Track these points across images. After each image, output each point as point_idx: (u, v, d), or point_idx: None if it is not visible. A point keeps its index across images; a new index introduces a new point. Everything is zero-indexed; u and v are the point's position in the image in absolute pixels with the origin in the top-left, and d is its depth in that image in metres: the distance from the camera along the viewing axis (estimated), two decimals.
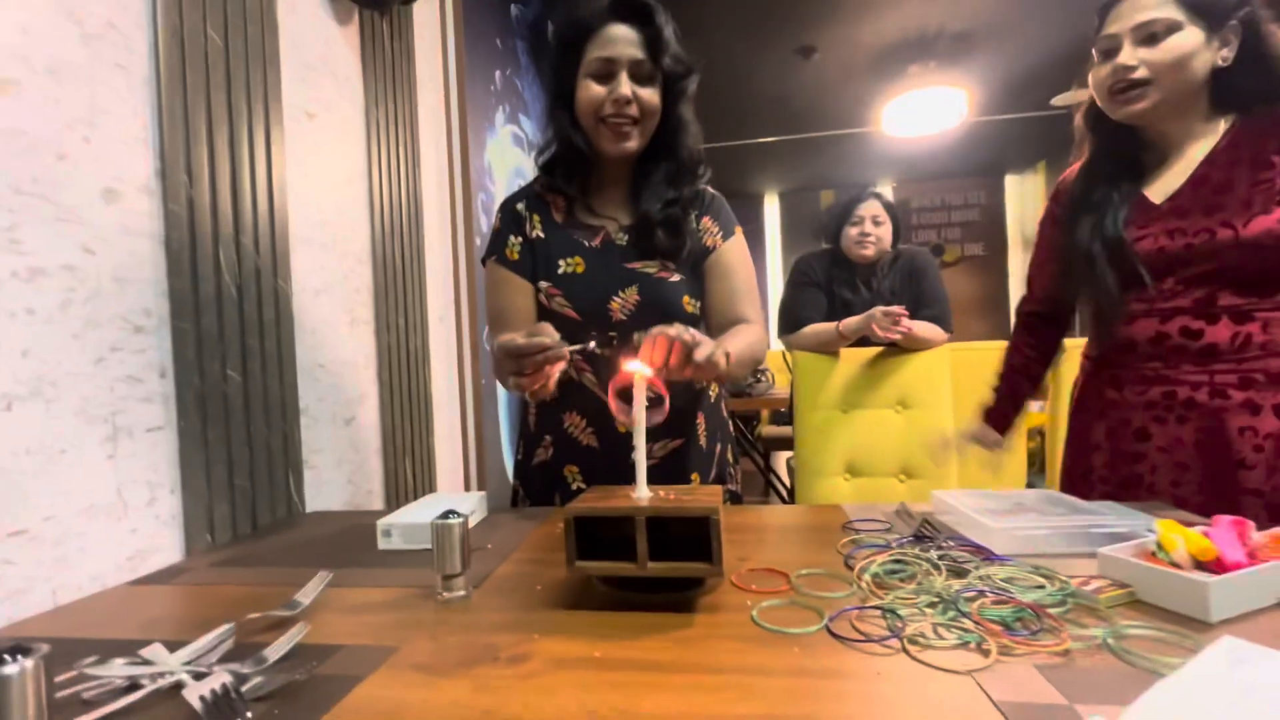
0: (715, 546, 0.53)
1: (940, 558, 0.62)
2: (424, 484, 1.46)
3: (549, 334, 0.69)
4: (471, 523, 0.87)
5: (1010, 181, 5.95)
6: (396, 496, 1.34)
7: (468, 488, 1.74)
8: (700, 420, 1.00)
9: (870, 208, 1.70)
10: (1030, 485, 2.35)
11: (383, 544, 0.78)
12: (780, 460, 4.11)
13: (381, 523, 0.78)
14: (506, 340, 0.69)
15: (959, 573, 0.59)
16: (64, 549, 0.66)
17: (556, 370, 0.72)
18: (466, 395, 1.77)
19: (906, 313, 1.49)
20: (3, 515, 0.61)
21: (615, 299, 0.93)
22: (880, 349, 1.62)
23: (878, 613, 0.53)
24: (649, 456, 1.00)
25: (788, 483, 3.61)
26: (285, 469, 0.99)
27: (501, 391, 2.04)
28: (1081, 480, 1.03)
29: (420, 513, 0.82)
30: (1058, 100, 3.89)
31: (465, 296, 1.77)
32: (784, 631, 0.50)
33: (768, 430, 3.62)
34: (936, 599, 0.54)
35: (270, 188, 0.99)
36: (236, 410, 0.89)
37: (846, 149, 4.94)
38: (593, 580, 0.61)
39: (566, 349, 0.69)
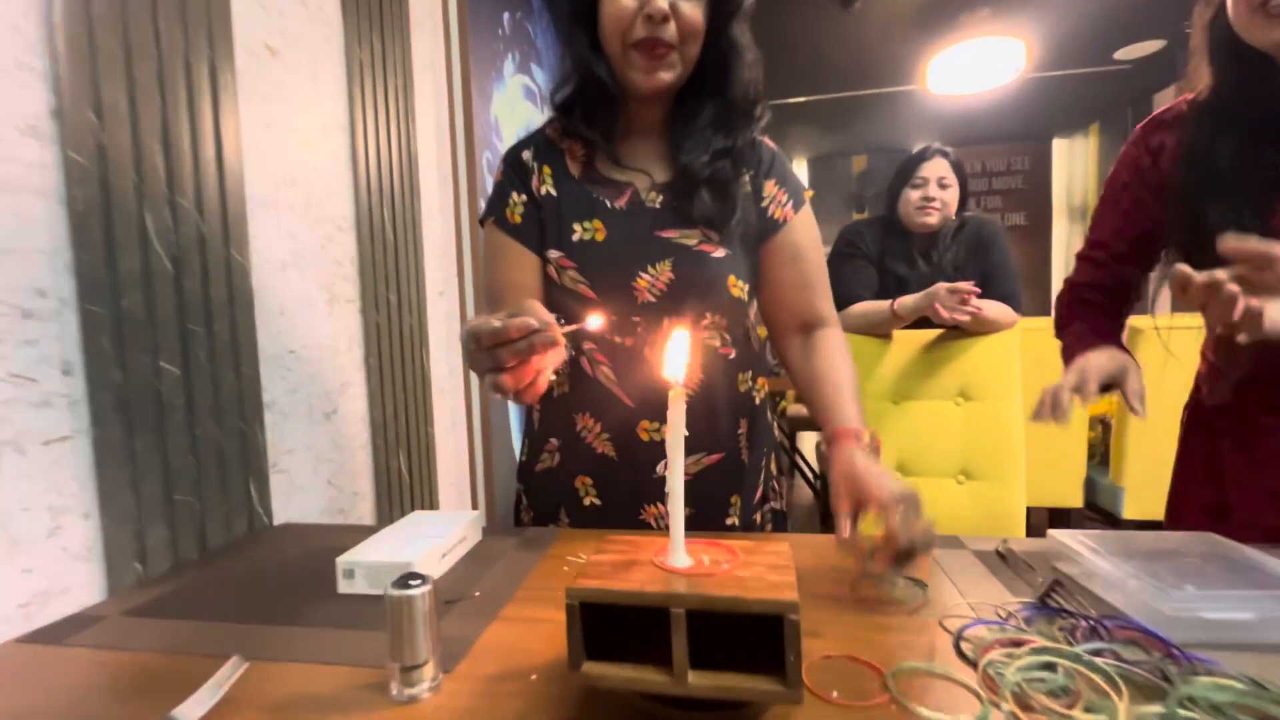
0: (792, 659, 0.35)
1: (1097, 652, 0.44)
2: (423, 482, 1.31)
3: (536, 313, 0.49)
4: (461, 552, 0.71)
5: (1058, 146, 5.54)
6: (389, 498, 1.18)
7: (474, 486, 1.58)
8: (743, 428, 0.81)
9: (936, 167, 1.47)
10: (1090, 480, 2.14)
11: (343, 586, 0.62)
12: (807, 442, 3.92)
13: (342, 561, 0.62)
14: (478, 323, 0.49)
15: (1146, 688, 0.40)
16: None
17: (547, 364, 0.51)
18: (472, 379, 1.60)
19: (977, 290, 1.27)
20: None
21: (643, 275, 0.74)
22: (939, 331, 1.42)
23: None
24: None
25: (815, 468, 3.43)
26: (245, 476, 0.83)
27: None
28: (1208, 518, 0.81)
29: (393, 544, 0.66)
30: (1123, 54, 3.52)
31: (469, 268, 1.59)
32: None
33: (794, 408, 3.42)
34: None
35: (218, 137, 0.80)
36: (175, 411, 0.73)
37: (884, 110, 4.59)
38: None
39: (559, 332, 0.48)
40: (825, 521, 2.88)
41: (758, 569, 0.40)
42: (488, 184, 1.68)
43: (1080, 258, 0.94)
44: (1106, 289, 0.92)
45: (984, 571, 0.62)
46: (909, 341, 1.44)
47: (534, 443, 0.85)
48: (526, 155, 0.80)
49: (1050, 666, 0.43)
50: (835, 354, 0.76)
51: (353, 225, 1.12)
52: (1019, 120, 4.91)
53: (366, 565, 0.61)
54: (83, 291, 0.63)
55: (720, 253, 0.75)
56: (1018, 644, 0.46)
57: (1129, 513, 2.00)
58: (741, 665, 0.37)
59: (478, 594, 0.60)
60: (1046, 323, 1.92)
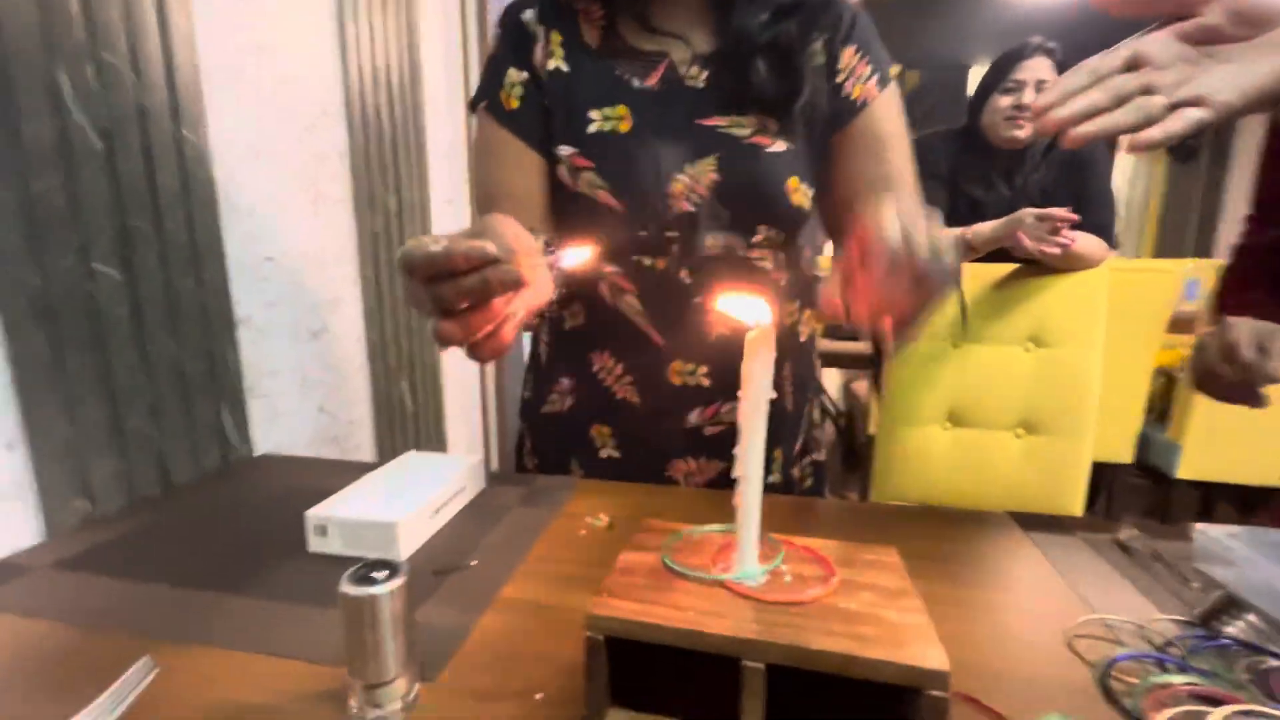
0: None
1: None
2: (429, 414, 1.20)
3: (501, 234, 0.34)
4: (459, 504, 0.59)
5: None
6: (391, 428, 1.08)
7: (485, 422, 1.48)
8: (787, 371, 0.67)
9: (1036, 67, 1.23)
10: (1145, 438, 1.99)
11: (315, 545, 0.51)
12: (830, 380, 3.78)
13: (313, 516, 0.51)
14: (412, 245, 0.31)
15: None
16: None
17: (517, 307, 0.35)
18: None
19: (1074, 217, 1.08)
20: None
21: (679, 177, 0.58)
22: (1016, 266, 1.23)
23: None
24: (711, 421, 0.64)
25: (839, 406, 3.32)
26: (215, 401, 0.72)
27: None
28: None
29: (377, 495, 0.55)
30: None
31: None
32: None
33: (820, 344, 3.25)
34: None
35: None
36: (117, 323, 0.60)
37: (940, 15, 4.11)
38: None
39: (524, 267, 0.32)
40: (846, 460, 2.79)
41: (866, 595, 0.28)
42: None
43: (1252, 220, 0.76)
44: None
45: (1107, 569, 0.49)
46: (977, 276, 1.25)
47: (540, 380, 0.71)
48: (528, 16, 0.61)
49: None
50: None
51: (341, 111, 0.95)
52: (1097, 30, 4.38)
53: (342, 523, 0.50)
54: None
55: (779, 146, 0.58)
56: (1202, 697, 0.33)
57: (1183, 473, 1.86)
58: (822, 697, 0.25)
59: (474, 563, 0.49)
60: (1140, 264, 1.71)
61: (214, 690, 0.35)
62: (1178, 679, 0.35)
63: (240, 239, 0.76)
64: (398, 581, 0.32)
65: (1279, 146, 0.72)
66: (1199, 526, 0.49)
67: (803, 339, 0.69)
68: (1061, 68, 1.25)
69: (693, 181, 0.58)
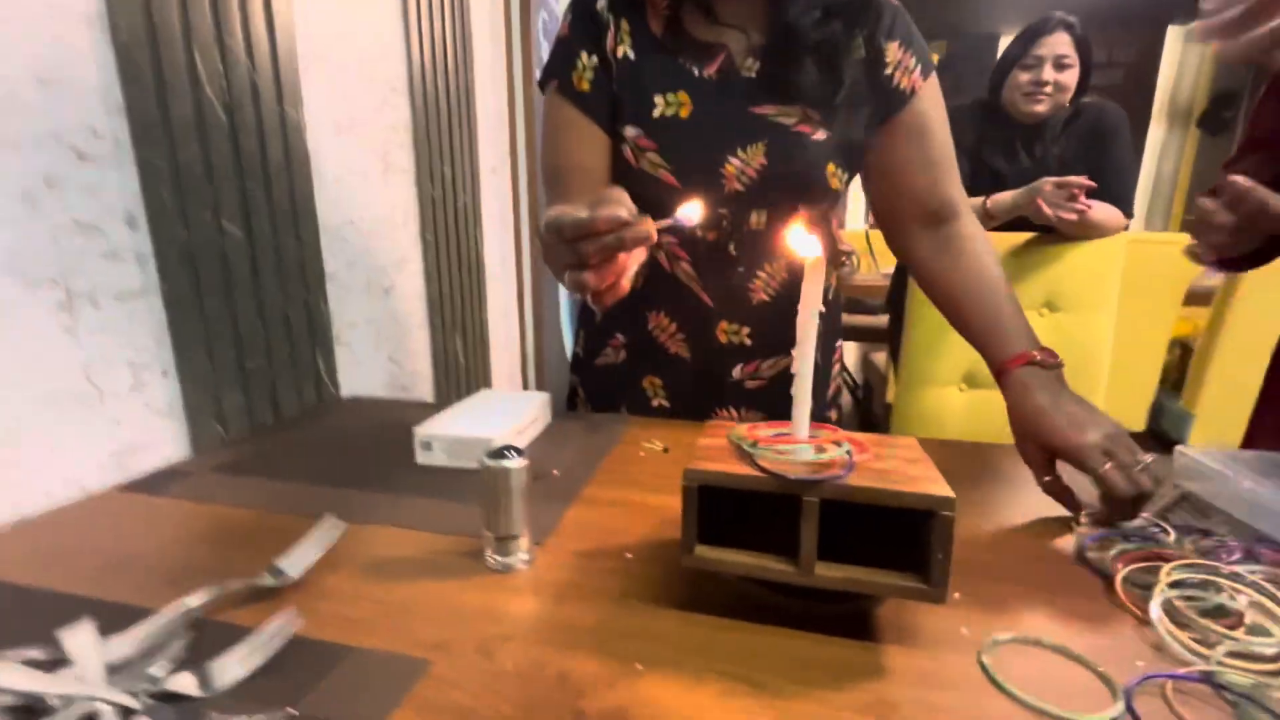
0: (939, 557, 0.32)
1: (1254, 572, 0.40)
2: (477, 365, 1.31)
3: (625, 202, 0.41)
4: (534, 432, 0.69)
5: (1172, 35, 4.85)
6: (447, 379, 1.18)
7: (524, 373, 1.58)
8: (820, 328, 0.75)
9: (1055, 43, 1.27)
10: (1159, 406, 2.04)
11: (421, 458, 0.61)
12: (848, 353, 3.84)
13: (420, 432, 0.61)
14: (559, 214, 0.41)
15: None
16: (13, 449, 0.51)
17: (633, 263, 0.43)
18: (524, 264, 1.56)
19: (1091, 184, 1.13)
20: None
21: (732, 160, 0.65)
22: (1033, 235, 1.29)
23: (1202, 683, 0.32)
24: (752, 376, 0.74)
25: (858, 378, 3.38)
26: (312, 347, 0.82)
27: None
28: None
29: (468, 418, 0.64)
30: None
31: (523, 145, 1.49)
32: (1062, 718, 0.29)
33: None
34: None
35: None
36: (240, 274, 0.70)
37: None
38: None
39: (652, 225, 0.40)
40: (863, 430, 2.86)
41: (893, 462, 0.36)
42: (543, 51, 1.54)
43: (1241, 151, 0.80)
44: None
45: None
46: (996, 244, 1.31)
47: (594, 335, 0.80)
48: (601, 5, 0.68)
49: (1204, 585, 0.39)
50: (983, 254, 0.65)
51: (406, 88, 1.03)
52: (1120, 2, 4.27)
53: (444, 439, 0.60)
54: (136, 134, 0.58)
55: (821, 135, 0.65)
56: (1153, 558, 0.42)
57: (1194, 441, 1.92)
58: (862, 559, 0.34)
59: (556, 473, 0.59)
60: (1161, 237, 1.75)
61: (379, 548, 0.45)
62: (1133, 547, 0.43)
63: (328, 203, 0.85)
64: (524, 461, 0.42)
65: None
66: (1180, 449, 0.57)
67: (830, 295, 0.77)
68: (1081, 43, 1.28)
69: (744, 164, 0.65)
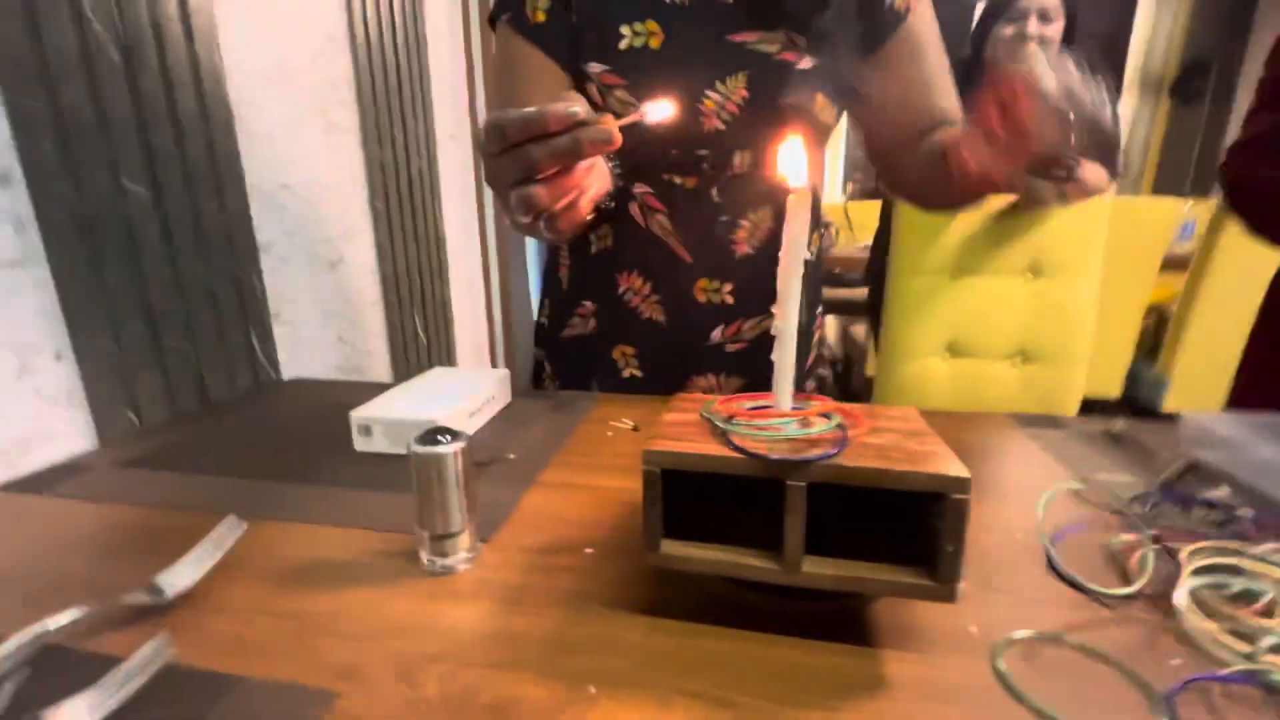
0: (950, 549, 0.27)
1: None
2: (441, 343, 1.23)
3: (580, 102, 0.33)
4: (489, 412, 0.63)
5: (1144, 4, 4.83)
6: (406, 358, 1.11)
7: (493, 349, 1.51)
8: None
9: None
10: (1134, 373, 2.04)
11: (360, 444, 0.54)
12: (827, 326, 3.82)
13: (356, 415, 0.54)
14: (501, 112, 0.33)
15: None
16: None
17: (593, 183, 0.37)
18: (488, 234, 1.47)
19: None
20: None
21: (710, 95, 0.59)
22: (1014, 198, 1.24)
23: (1248, 683, 0.27)
24: (733, 339, 0.67)
25: (836, 352, 3.36)
26: (244, 324, 0.74)
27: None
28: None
29: (414, 399, 0.58)
30: None
31: (483, 108, 1.40)
32: None
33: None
34: None
35: None
36: (149, 241, 0.62)
37: None
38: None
39: (614, 124, 0.33)
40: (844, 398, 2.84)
41: (891, 436, 0.31)
42: None
43: (1256, 111, 0.77)
44: None
45: (1094, 454, 0.53)
46: (980, 210, 1.27)
47: (560, 304, 0.73)
48: None
49: (1233, 564, 0.34)
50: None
51: (345, 36, 0.93)
52: None
53: (385, 421, 0.53)
54: (3, 72, 0.50)
55: (807, 63, 0.59)
56: (1168, 536, 0.37)
57: (1169, 406, 1.93)
58: (849, 549, 0.29)
59: (512, 456, 0.53)
60: (1139, 201, 1.72)
61: (294, 549, 0.39)
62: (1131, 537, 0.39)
63: (258, 163, 0.76)
64: (460, 444, 0.36)
65: None
66: (1185, 413, 0.53)
67: (813, 255, 0.72)
68: None
69: (723, 99, 0.59)
